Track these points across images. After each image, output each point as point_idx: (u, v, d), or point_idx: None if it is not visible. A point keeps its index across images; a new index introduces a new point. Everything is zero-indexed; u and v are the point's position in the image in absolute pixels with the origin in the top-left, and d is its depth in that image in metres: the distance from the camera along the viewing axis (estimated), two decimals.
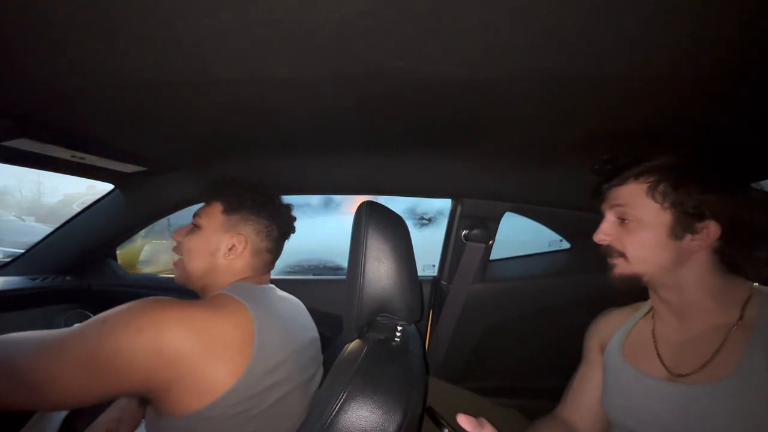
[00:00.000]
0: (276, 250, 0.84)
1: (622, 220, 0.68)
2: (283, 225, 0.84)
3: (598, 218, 0.71)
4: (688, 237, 0.64)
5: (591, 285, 1.23)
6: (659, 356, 0.69)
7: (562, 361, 0.94)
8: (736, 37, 0.44)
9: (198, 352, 0.57)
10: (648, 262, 0.66)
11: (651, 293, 0.73)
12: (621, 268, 0.69)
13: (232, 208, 0.79)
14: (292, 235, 0.88)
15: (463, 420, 0.57)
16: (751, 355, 0.58)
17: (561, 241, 1.40)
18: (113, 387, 0.55)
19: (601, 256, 0.71)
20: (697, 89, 0.57)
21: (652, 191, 0.64)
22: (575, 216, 1.19)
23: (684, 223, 0.63)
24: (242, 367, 0.60)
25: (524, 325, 1.31)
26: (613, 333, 0.80)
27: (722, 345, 0.62)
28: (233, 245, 0.76)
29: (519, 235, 1.44)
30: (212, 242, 0.77)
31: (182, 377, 0.56)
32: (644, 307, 0.78)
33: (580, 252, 1.36)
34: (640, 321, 0.77)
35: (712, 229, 0.63)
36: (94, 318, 0.57)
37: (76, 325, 0.58)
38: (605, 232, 0.70)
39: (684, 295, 0.67)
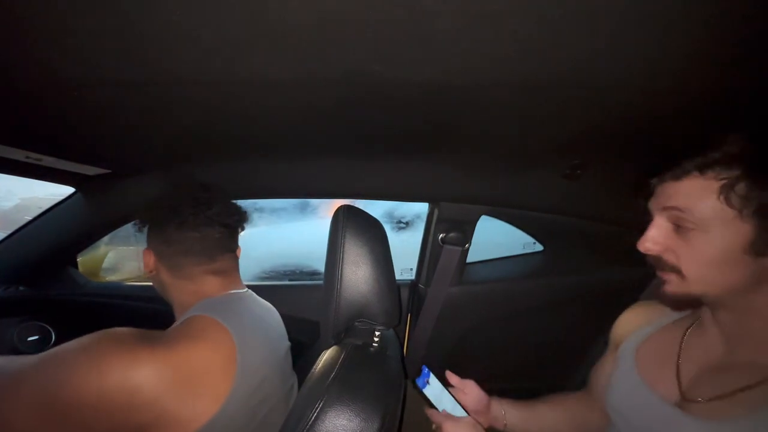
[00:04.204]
0: (206, 249, 0.71)
1: (678, 226, 0.52)
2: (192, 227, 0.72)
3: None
4: None
5: (564, 287, 1.25)
6: (678, 375, 0.57)
7: (538, 362, 0.96)
8: (706, 47, 0.46)
9: (176, 389, 0.53)
10: (713, 282, 0.50)
11: (705, 309, 0.58)
12: (674, 286, 0.53)
13: (143, 224, 0.76)
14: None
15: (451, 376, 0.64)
16: None
17: (534, 243, 1.44)
18: None
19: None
20: (668, 97, 0.59)
21: (726, 192, 0.47)
22: (548, 219, 1.22)
23: None
24: (225, 393, 0.57)
25: (501, 327, 1.33)
26: (630, 332, 0.68)
27: (761, 382, 0.48)
28: (147, 262, 0.74)
29: (494, 238, 1.46)
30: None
31: (159, 417, 0.52)
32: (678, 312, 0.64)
33: (553, 254, 1.40)
34: (669, 326, 0.64)
35: None
36: (52, 354, 0.51)
37: (33, 357, 0.51)
38: (654, 241, 0.53)
39: (750, 322, 0.52)
